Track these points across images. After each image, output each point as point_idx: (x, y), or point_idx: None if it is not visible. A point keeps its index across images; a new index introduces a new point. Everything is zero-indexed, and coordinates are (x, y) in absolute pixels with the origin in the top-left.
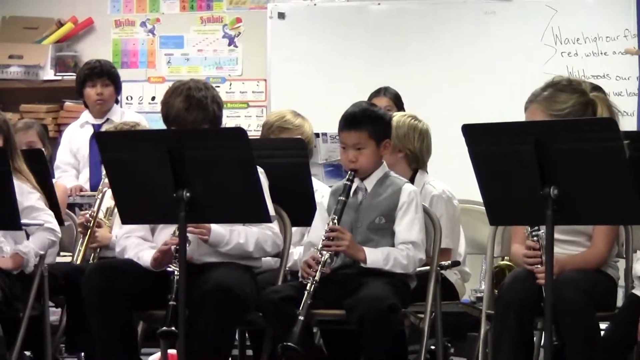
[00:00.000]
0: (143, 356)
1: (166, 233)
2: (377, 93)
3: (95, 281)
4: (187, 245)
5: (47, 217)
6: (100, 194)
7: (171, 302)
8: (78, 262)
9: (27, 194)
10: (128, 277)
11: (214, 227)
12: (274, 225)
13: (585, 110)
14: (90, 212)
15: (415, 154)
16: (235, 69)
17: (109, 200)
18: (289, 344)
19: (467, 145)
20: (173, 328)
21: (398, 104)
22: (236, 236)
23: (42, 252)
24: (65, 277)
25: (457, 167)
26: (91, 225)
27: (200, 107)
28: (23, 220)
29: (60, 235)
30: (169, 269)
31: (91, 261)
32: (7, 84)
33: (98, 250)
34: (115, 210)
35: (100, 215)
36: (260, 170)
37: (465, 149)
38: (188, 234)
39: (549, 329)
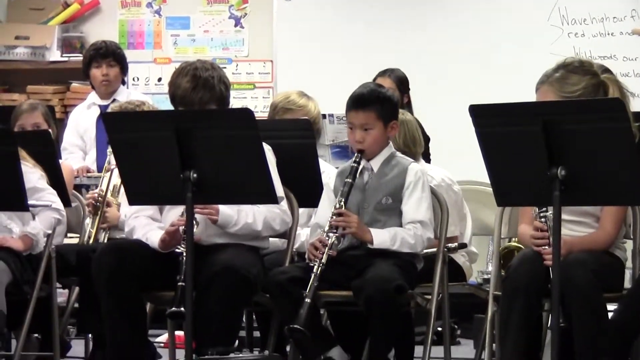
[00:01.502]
0: (150, 337)
1: (174, 213)
2: (382, 74)
3: (105, 262)
4: (195, 226)
5: (51, 197)
6: (108, 173)
7: (180, 283)
8: (91, 242)
9: (28, 174)
10: (138, 258)
11: (221, 208)
12: (282, 203)
13: (596, 91)
14: (98, 191)
15: (401, 149)
16: (242, 50)
17: (115, 178)
18: (295, 326)
19: (474, 126)
20: (182, 308)
21: (401, 87)
22: (244, 216)
23: (49, 232)
24: (77, 258)
25: (464, 147)
26: (101, 204)
27: (207, 86)
28: (30, 202)
29: (64, 213)
30: (177, 250)
31: (101, 241)
32: (13, 65)
33: (107, 230)
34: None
35: (108, 193)
36: (268, 147)
37: (472, 129)
38: (196, 215)
39: (556, 311)
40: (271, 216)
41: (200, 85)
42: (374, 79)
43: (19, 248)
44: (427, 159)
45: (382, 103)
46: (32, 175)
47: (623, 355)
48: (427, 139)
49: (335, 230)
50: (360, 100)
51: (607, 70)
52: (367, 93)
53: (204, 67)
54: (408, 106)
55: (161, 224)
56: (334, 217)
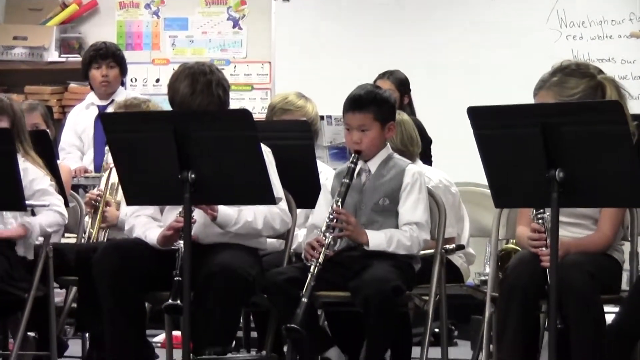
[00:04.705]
0: (148, 337)
1: (174, 213)
2: (382, 76)
3: (107, 262)
4: (193, 224)
5: (57, 202)
6: (107, 172)
7: (177, 278)
8: (91, 241)
9: (41, 177)
10: (140, 258)
11: (221, 208)
12: (282, 203)
13: (595, 93)
14: (97, 191)
15: (399, 149)
16: (240, 52)
17: (113, 177)
18: (292, 325)
19: (472, 128)
20: (178, 302)
21: (402, 89)
22: (244, 215)
23: (48, 229)
24: (76, 258)
25: (462, 149)
26: (100, 204)
27: (204, 93)
28: (28, 202)
29: (66, 220)
30: (173, 247)
31: (101, 240)
32: (11, 66)
33: (107, 230)
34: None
35: (107, 192)
36: (267, 149)
37: (469, 131)
38: (194, 214)
39: (553, 312)
40: (271, 216)
41: (198, 92)
42: (374, 82)
43: (11, 235)
44: (429, 161)
45: (380, 104)
46: (45, 179)
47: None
48: (429, 141)
49: (332, 230)
50: (357, 102)
51: (601, 71)
52: (364, 94)
53: (202, 71)
54: (410, 107)
55: (161, 223)
56: (331, 217)
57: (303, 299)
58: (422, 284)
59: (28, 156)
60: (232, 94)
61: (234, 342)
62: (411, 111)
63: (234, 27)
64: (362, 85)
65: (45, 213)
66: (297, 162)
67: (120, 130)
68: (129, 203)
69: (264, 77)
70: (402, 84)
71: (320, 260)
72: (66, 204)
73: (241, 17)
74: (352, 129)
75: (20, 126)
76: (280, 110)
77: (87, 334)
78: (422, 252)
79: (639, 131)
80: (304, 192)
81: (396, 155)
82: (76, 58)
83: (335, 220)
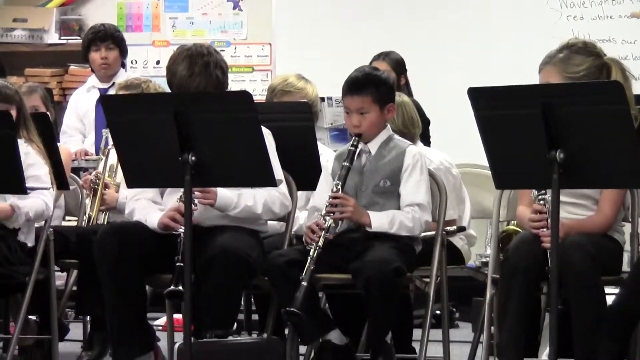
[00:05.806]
0: (149, 320)
1: (175, 196)
2: (378, 57)
3: (108, 246)
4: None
5: (46, 192)
6: (105, 154)
7: (178, 264)
8: (90, 224)
9: (39, 164)
10: (140, 242)
11: (221, 191)
12: (282, 186)
13: (600, 73)
14: (95, 173)
15: (400, 131)
16: (240, 33)
17: (112, 159)
18: (291, 309)
19: (473, 109)
20: (180, 288)
21: (398, 69)
22: (244, 199)
23: (32, 218)
24: (76, 240)
25: (463, 130)
26: (99, 187)
27: (203, 74)
28: (29, 184)
29: (50, 213)
30: (175, 232)
31: (101, 223)
32: (11, 48)
33: (106, 212)
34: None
35: (105, 175)
36: (267, 131)
37: (470, 111)
38: (196, 199)
39: (554, 293)
40: (271, 199)
41: (196, 74)
42: (370, 63)
43: None
44: (427, 142)
45: (378, 86)
46: (42, 167)
47: (623, 340)
48: (427, 122)
49: (332, 214)
50: (356, 85)
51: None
52: (362, 77)
53: (200, 52)
54: (407, 87)
55: (161, 206)
56: (331, 200)
57: (303, 283)
58: (423, 266)
59: (31, 142)
60: (232, 76)
61: (235, 325)
62: (408, 92)
63: (234, 8)
64: (360, 67)
65: (35, 200)
66: (298, 144)
67: (120, 113)
68: (129, 186)
69: (265, 59)
70: (399, 64)
71: (320, 243)
72: (67, 187)
73: None
74: (351, 112)
75: (25, 112)
76: (280, 92)
77: (88, 317)
78: (423, 234)
79: None
80: (304, 174)
81: (396, 137)
82: (76, 40)
83: (335, 205)
